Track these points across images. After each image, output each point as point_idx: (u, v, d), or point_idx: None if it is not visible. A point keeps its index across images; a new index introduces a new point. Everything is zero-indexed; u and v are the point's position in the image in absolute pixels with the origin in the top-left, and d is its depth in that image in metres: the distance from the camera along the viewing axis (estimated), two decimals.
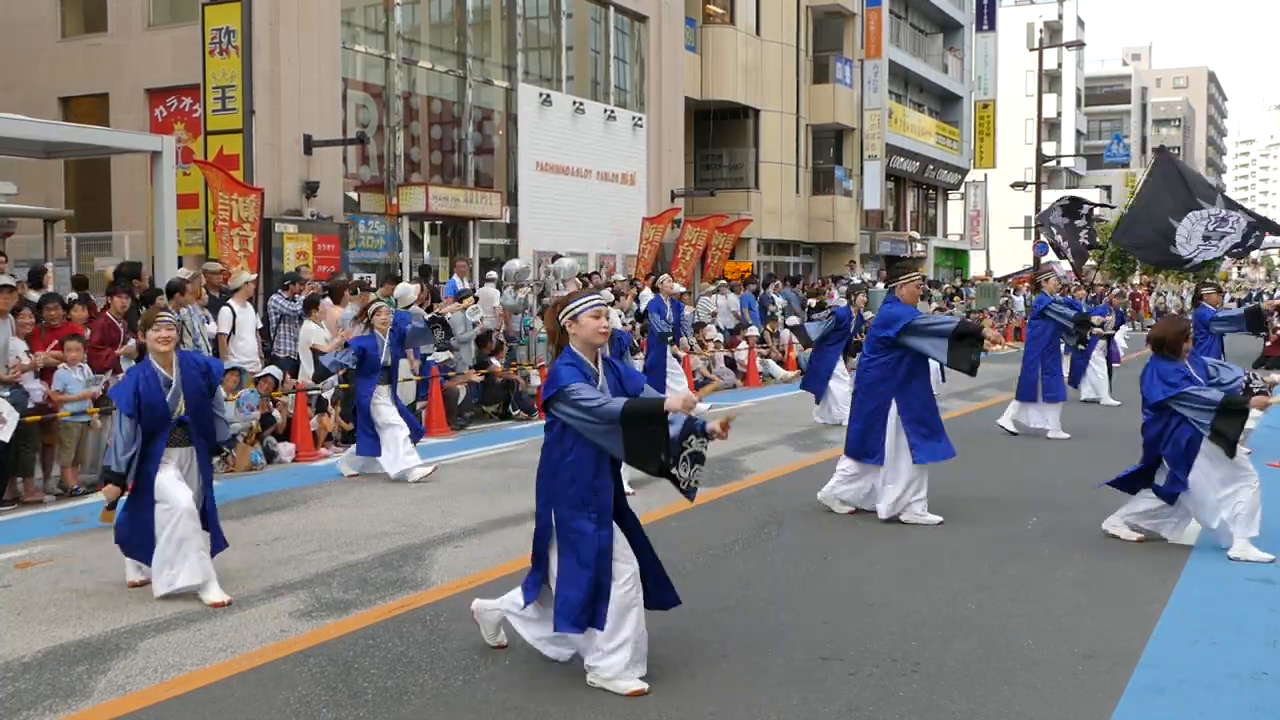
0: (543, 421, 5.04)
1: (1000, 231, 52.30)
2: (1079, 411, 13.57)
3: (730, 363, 19.10)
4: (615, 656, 4.72)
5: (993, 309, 32.61)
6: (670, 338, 13.88)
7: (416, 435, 10.18)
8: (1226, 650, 5.30)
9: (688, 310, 18.90)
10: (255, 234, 15.35)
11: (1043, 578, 6.57)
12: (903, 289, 8.07)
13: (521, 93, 22.68)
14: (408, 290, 14.05)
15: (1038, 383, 12.45)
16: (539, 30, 23.99)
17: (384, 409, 9.93)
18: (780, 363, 20.21)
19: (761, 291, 23.30)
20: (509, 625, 5.11)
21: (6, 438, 8.62)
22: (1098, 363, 15.70)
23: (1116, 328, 16.59)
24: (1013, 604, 6.04)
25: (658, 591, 4.96)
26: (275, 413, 11.35)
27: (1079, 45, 52.46)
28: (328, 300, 12.85)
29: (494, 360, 14.49)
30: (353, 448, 10.28)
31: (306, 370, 12.03)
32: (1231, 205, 13.15)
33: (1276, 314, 25.58)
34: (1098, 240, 16.78)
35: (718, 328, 20.11)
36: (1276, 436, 12.69)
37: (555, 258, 17.70)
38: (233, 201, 15.12)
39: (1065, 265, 19.48)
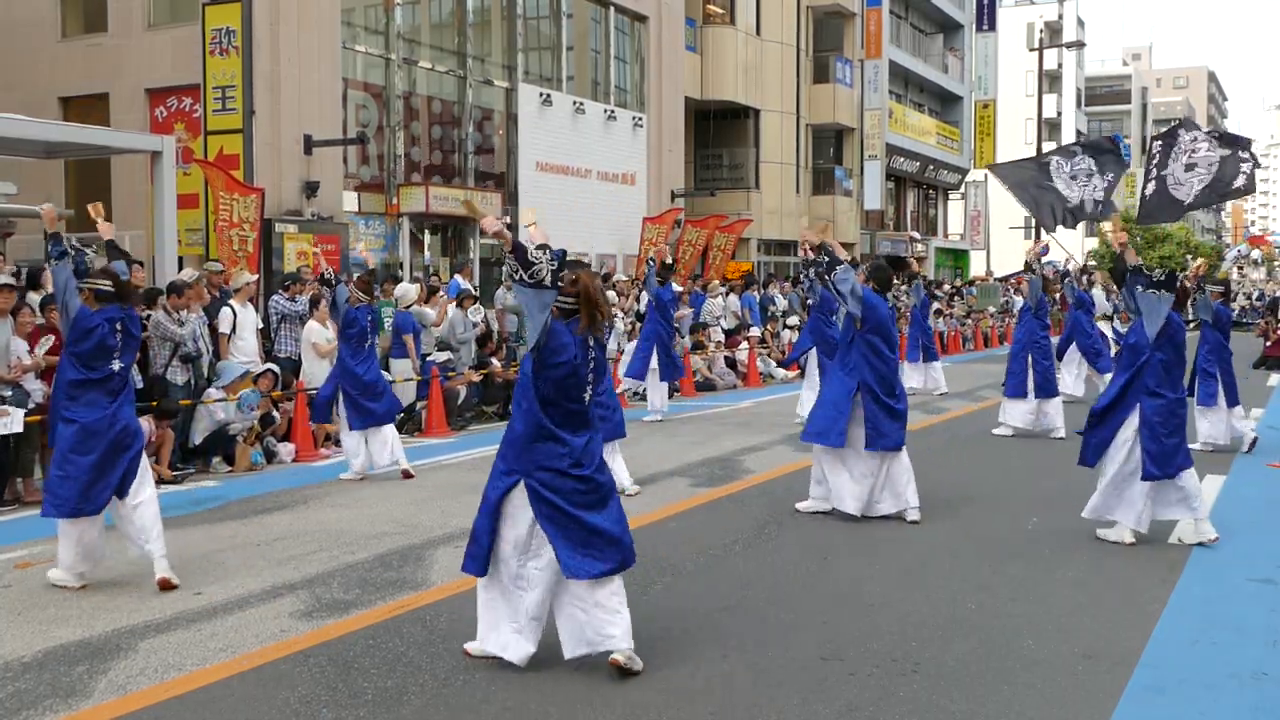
0: None
1: (1000, 231, 52.29)
2: (1073, 411, 13.54)
3: (730, 363, 19.10)
4: None
5: (993, 309, 32.61)
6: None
7: None
8: (1226, 650, 5.30)
9: (685, 310, 18.91)
10: (255, 234, 15.35)
11: (1043, 578, 6.57)
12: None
13: (522, 93, 22.69)
14: (408, 290, 14.06)
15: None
16: (539, 30, 24.00)
17: None
18: (780, 363, 20.21)
19: (762, 291, 23.31)
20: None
21: (19, 429, 8.71)
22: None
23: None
24: (1013, 604, 6.04)
25: None
26: (275, 413, 11.36)
27: (1079, 45, 52.48)
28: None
29: (494, 360, 14.50)
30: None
31: (308, 370, 12.03)
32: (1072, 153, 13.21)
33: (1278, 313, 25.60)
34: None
35: (722, 328, 20.13)
36: (1276, 437, 12.70)
37: None
38: (233, 201, 15.12)
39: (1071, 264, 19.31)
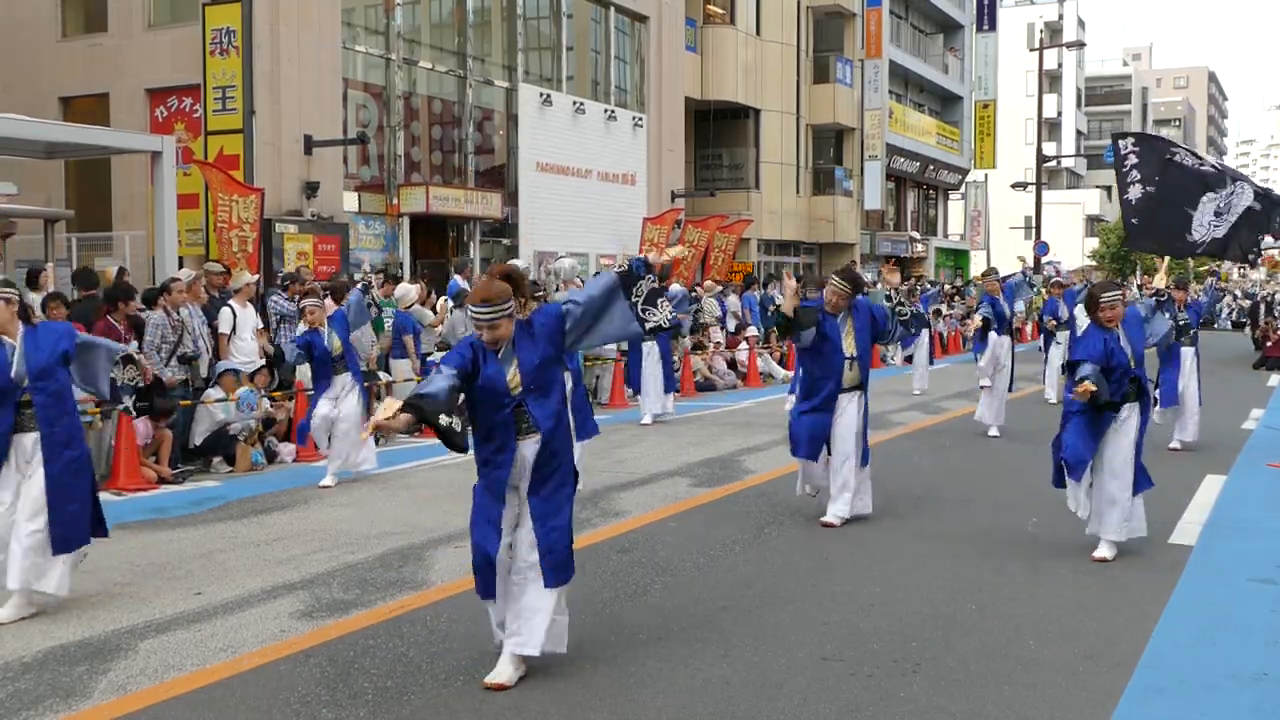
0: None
1: (1001, 231, 52.29)
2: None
3: (731, 363, 19.10)
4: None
5: None
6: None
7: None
8: (1226, 650, 5.30)
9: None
10: (255, 234, 15.35)
11: (1043, 578, 6.57)
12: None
13: (522, 93, 22.69)
14: (408, 290, 14.06)
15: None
16: (539, 30, 24.00)
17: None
18: (781, 362, 20.21)
19: (762, 291, 23.30)
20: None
21: None
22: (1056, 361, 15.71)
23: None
24: (1013, 604, 6.03)
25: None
26: (275, 411, 11.37)
27: (1079, 45, 52.50)
28: (329, 300, 12.83)
29: None
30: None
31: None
32: (1234, 177, 12.81)
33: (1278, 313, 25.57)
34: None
35: (721, 328, 20.12)
36: (1276, 437, 12.69)
37: (557, 258, 17.70)
38: (232, 202, 15.12)
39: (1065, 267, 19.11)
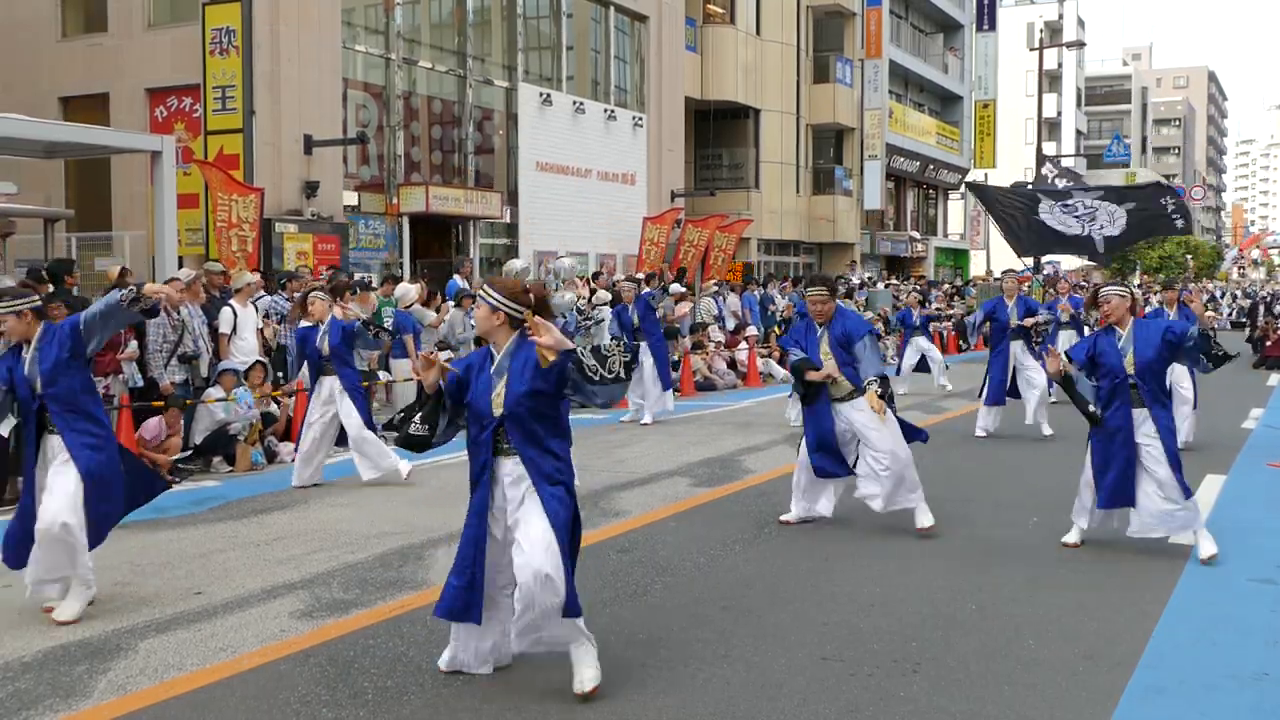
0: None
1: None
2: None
3: (731, 363, 19.10)
4: None
5: None
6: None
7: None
8: (1226, 650, 5.30)
9: (685, 307, 18.91)
10: (255, 234, 15.35)
11: (1043, 578, 6.57)
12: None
13: (522, 92, 22.69)
14: (408, 290, 14.06)
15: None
16: (539, 30, 24.00)
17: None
18: (780, 362, 20.21)
19: (762, 291, 23.32)
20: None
21: (5, 432, 8.62)
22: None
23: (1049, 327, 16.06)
24: (1013, 604, 6.04)
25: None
26: (274, 409, 11.37)
27: (1079, 45, 52.46)
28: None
29: None
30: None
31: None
32: (1072, 193, 13.24)
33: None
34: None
35: (720, 327, 20.13)
36: (1276, 437, 12.69)
37: (557, 258, 17.71)
38: (232, 202, 15.12)
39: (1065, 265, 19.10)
